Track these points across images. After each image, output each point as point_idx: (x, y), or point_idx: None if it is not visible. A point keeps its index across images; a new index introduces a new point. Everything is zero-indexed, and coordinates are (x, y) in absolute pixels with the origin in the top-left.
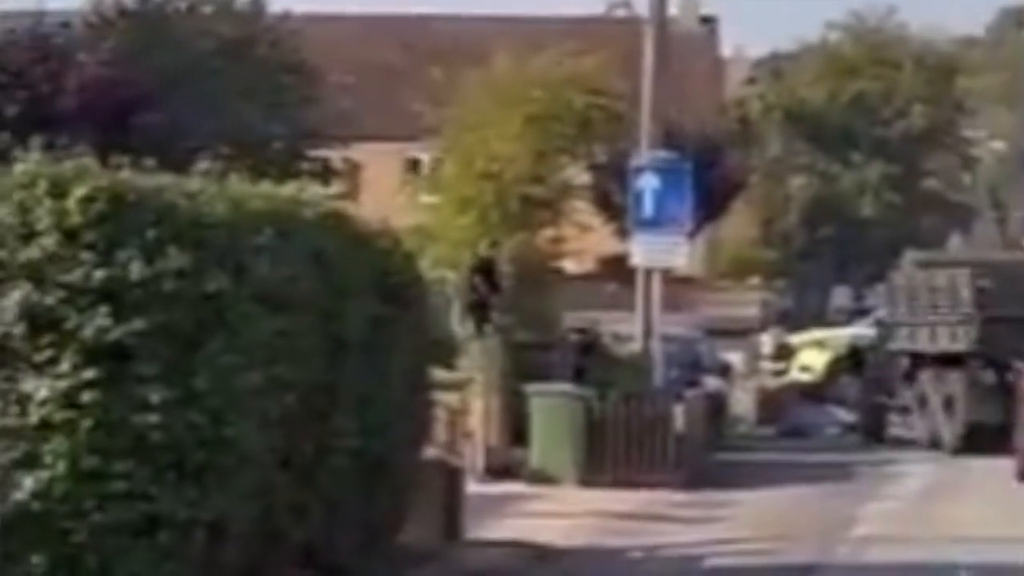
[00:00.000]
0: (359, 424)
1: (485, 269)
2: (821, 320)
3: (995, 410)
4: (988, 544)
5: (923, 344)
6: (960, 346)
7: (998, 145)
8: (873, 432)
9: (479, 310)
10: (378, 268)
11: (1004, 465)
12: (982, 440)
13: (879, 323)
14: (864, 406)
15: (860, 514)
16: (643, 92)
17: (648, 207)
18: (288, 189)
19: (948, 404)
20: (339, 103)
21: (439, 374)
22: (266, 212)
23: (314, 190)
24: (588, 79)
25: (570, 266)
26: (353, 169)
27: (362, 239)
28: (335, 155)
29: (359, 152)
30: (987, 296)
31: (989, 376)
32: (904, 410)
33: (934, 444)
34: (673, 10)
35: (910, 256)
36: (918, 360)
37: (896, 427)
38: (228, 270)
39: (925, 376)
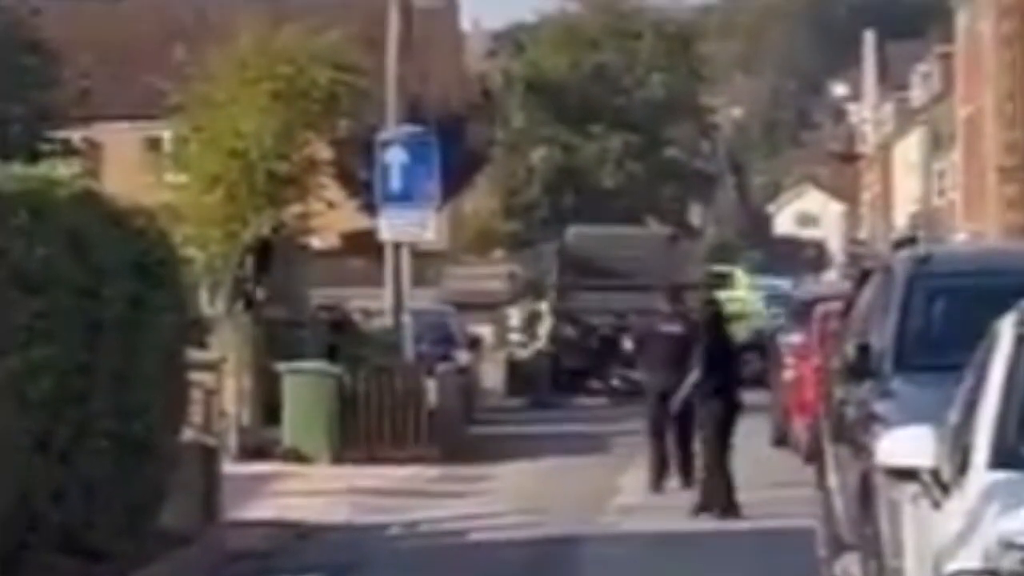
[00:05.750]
0: (117, 406)
1: (261, 249)
2: None
3: (577, 359)
4: (746, 508)
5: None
6: (545, 306)
7: (736, 112)
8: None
9: (238, 289)
10: (133, 247)
11: (761, 428)
12: (569, 382)
13: None
14: None
15: (618, 484)
16: (388, 67)
17: (396, 181)
18: (40, 169)
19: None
20: (78, 83)
21: (193, 354)
22: (19, 193)
23: (66, 170)
24: (332, 55)
25: (315, 243)
26: (93, 149)
27: (116, 218)
28: (75, 135)
29: (99, 132)
30: (570, 266)
31: (571, 331)
32: None
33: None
34: None
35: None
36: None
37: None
38: None
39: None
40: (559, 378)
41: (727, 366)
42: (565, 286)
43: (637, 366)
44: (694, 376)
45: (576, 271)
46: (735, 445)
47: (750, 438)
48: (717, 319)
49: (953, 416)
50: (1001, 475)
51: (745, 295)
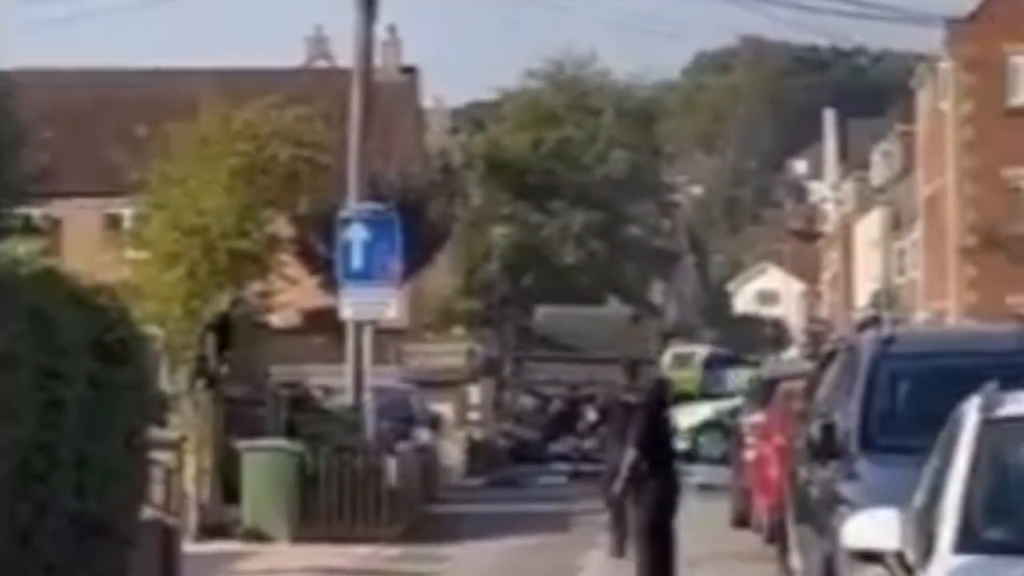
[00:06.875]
0: (77, 485)
1: (221, 325)
2: None
3: (533, 428)
4: None
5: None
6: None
7: (697, 190)
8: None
9: (199, 366)
10: (95, 325)
11: (719, 508)
12: (527, 451)
13: None
14: None
15: (578, 563)
16: (350, 143)
17: (357, 259)
18: (2, 247)
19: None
20: (38, 158)
21: (154, 432)
22: None
23: (27, 248)
24: (293, 131)
25: (275, 320)
26: (53, 226)
27: (78, 296)
28: (35, 212)
29: (59, 208)
30: (523, 340)
31: (529, 401)
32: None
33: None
34: (375, 60)
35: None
36: None
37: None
38: None
39: None
40: (518, 451)
41: (665, 447)
42: (521, 359)
43: (599, 435)
44: (630, 457)
45: (542, 348)
46: (684, 525)
47: (710, 518)
48: (660, 399)
49: (918, 499)
50: (965, 559)
51: (698, 376)
